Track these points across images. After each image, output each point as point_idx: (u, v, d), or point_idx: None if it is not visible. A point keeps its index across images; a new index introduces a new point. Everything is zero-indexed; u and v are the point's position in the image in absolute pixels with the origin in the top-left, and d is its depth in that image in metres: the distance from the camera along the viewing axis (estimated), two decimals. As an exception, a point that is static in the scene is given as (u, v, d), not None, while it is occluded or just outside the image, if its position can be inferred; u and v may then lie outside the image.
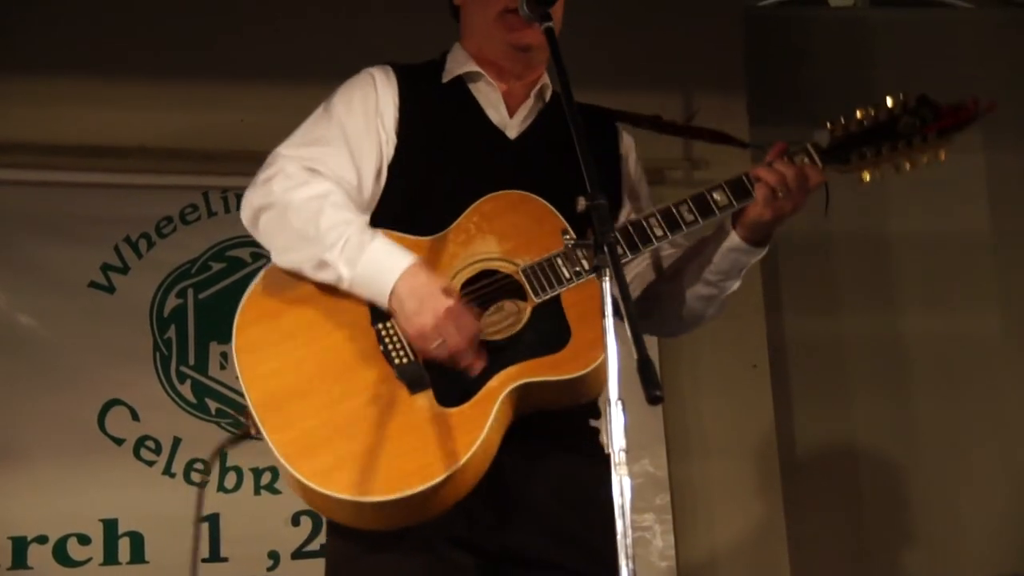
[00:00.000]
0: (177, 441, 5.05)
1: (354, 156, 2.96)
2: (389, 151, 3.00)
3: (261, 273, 2.92)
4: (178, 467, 5.04)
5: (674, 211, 2.88)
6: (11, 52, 5.13)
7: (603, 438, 2.29)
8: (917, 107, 2.90)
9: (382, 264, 2.78)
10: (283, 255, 2.88)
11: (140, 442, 5.03)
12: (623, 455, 2.17)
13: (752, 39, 5.73)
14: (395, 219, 2.92)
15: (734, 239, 2.94)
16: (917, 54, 5.95)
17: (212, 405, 5.10)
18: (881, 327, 5.99)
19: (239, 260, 5.23)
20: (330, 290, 2.84)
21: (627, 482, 2.17)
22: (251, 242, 5.09)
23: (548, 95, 3.10)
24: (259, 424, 2.76)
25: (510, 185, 2.89)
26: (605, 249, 2.32)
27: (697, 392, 5.43)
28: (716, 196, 2.90)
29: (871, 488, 5.87)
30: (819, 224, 6.00)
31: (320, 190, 2.86)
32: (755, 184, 2.88)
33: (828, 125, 2.94)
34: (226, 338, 5.25)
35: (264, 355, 2.82)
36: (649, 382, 2.14)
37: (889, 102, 2.92)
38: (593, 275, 2.64)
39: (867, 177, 2.93)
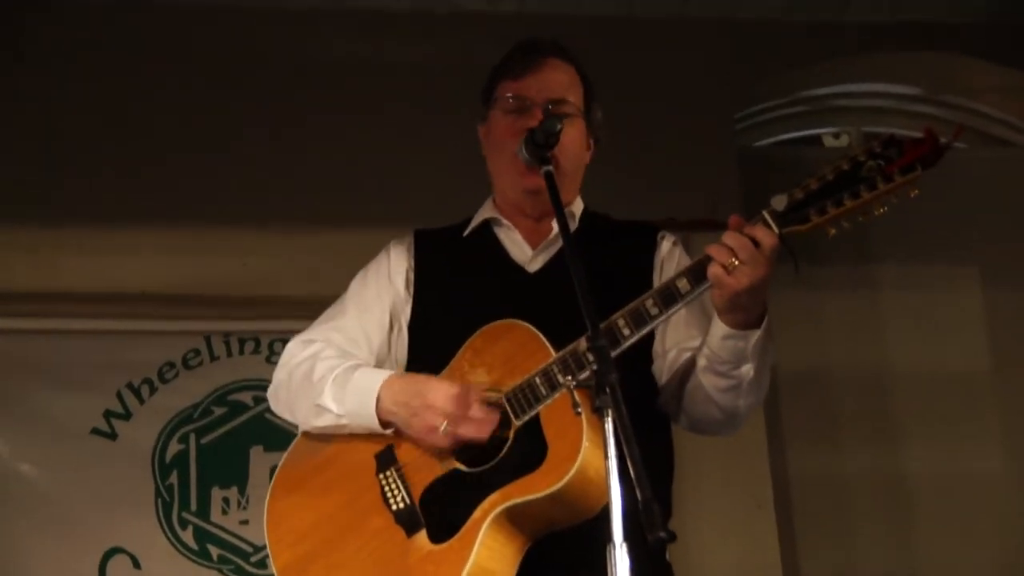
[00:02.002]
0: (177, 589, 5.01)
1: (361, 321, 3.08)
2: (406, 312, 3.08)
3: (290, 447, 3.05)
4: (179, 616, 4.99)
5: (641, 307, 2.70)
6: (11, 202, 5.20)
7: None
8: (884, 149, 2.61)
9: (363, 392, 2.86)
10: (297, 419, 3.02)
11: (141, 591, 4.99)
12: (627, 599, 2.14)
13: (747, 179, 5.79)
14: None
15: (720, 327, 2.73)
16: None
17: (214, 551, 5.05)
18: (883, 464, 5.96)
19: (241, 404, 5.23)
20: (342, 449, 2.93)
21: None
22: (253, 386, 5.18)
23: (577, 219, 3.09)
24: None
25: (528, 318, 2.82)
26: (607, 390, 2.29)
27: (701, 532, 5.37)
28: (679, 283, 2.70)
29: (878, 626, 5.81)
30: (820, 361, 6.01)
31: (311, 351, 3.02)
32: (708, 264, 2.65)
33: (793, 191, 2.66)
34: (228, 482, 5.23)
35: (288, 526, 2.94)
36: (652, 524, 2.11)
37: (856, 149, 2.64)
38: (565, 390, 2.64)
39: (832, 232, 2.65)
